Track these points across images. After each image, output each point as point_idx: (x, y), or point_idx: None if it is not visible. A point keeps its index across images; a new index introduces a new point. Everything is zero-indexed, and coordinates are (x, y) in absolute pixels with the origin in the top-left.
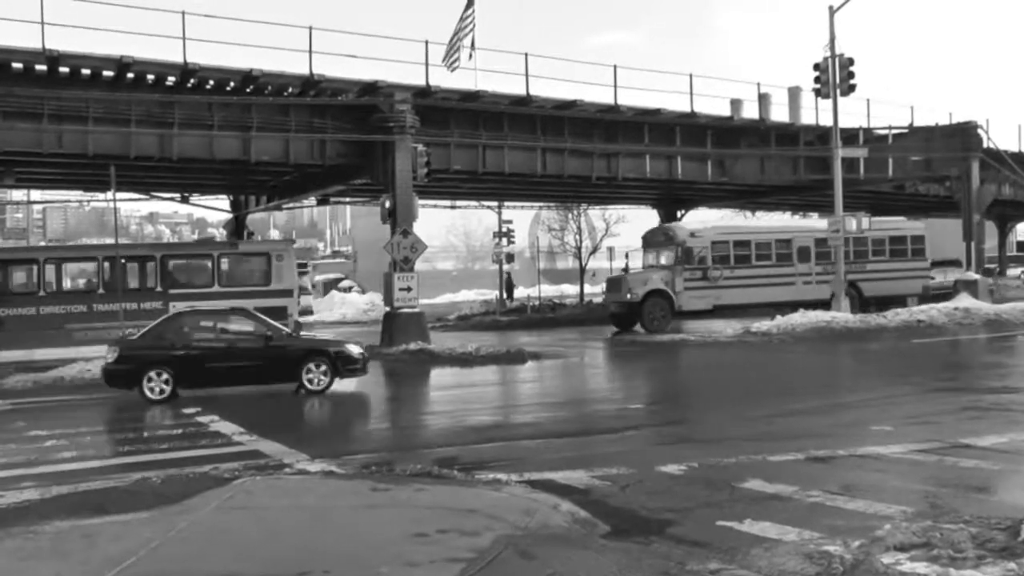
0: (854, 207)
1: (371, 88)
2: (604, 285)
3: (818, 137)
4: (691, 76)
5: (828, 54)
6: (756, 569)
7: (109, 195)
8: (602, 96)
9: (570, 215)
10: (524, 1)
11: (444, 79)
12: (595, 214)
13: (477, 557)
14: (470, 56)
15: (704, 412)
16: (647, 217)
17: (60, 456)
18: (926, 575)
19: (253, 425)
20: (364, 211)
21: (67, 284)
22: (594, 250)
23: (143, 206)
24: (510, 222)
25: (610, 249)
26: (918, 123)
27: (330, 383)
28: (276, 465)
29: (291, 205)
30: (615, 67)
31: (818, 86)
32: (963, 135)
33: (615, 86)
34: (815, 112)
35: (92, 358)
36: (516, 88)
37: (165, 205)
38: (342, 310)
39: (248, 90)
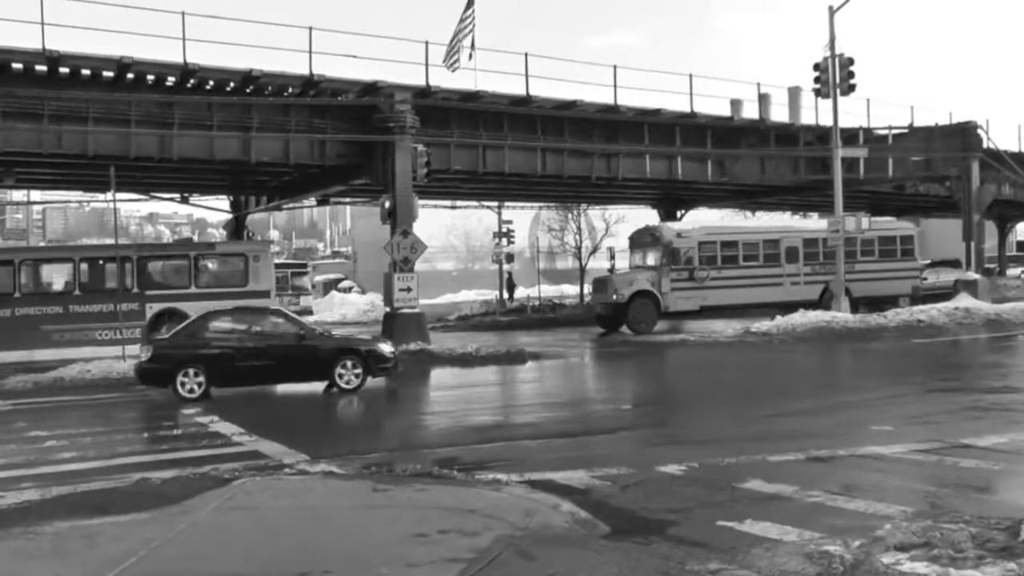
0: (854, 207)
1: (371, 88)
2: (590, 286)
3: (818, 137)
4: (691, 76)
5: (828, 54)
6: (756, 569)
7: (109, 196)
8: (602, 96)
9: (570, 215)
10: (524, 1)
11: (444, 79)
12: (595, 214)
13: (477, 557)
14: (470, 56)
15: (704, 412)
16: (647, 217)
17: (60, 457)
18: (926, 575)
19: (253, 425)
20: (364, 211)
21: (44, 285)
22: (594, 250)
23: (143, 207)
24: (510, 222)
25: (610, 249)
26: (918, 123)
27: (362, 382)
28: (276, 465)
29: (291, 205)
30: (615, 67)
31: (818, 86)
32: (963, 135)
33: (615, 86)
34: (815, 112)
35: (92, 359)
36: (516, 88)
37: (165, 206)
38: (342, 310)
39: (248, 90)
